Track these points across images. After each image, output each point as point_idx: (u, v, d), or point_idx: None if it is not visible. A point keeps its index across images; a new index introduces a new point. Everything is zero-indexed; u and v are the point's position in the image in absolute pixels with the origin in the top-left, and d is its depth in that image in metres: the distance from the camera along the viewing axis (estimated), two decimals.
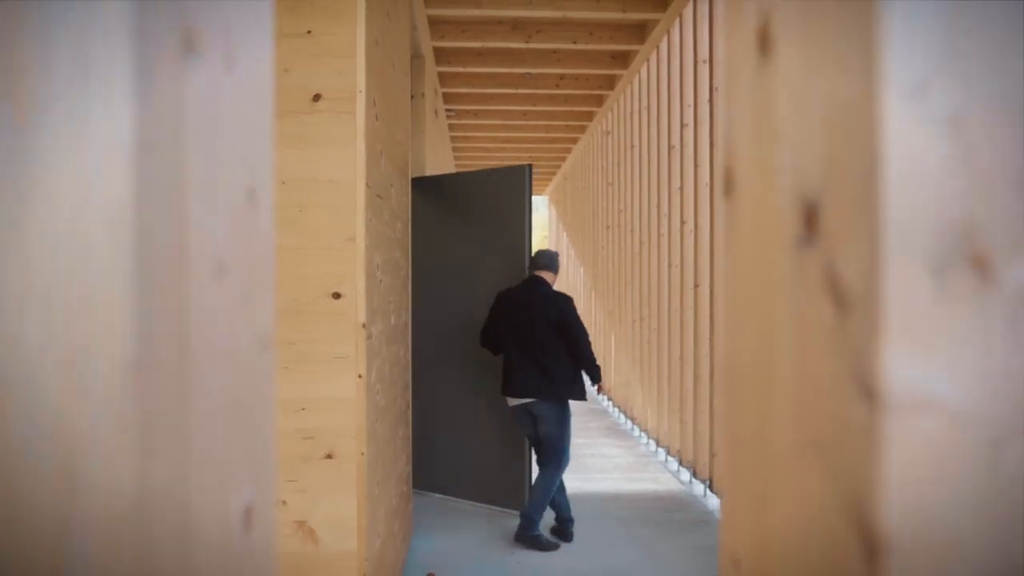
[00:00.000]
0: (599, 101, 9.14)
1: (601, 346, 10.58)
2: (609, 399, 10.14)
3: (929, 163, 0.30)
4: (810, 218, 0.36)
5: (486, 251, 5.22)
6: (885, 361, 0.31)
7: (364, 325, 2.95)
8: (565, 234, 15.17)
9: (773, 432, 0.40)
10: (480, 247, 5.25)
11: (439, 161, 8.24)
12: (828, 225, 0.35)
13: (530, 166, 4.99)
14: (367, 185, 3.01)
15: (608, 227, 10.07)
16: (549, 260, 4.73)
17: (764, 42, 0.41)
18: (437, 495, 5.49)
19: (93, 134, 0.29)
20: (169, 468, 0.32)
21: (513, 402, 4.60)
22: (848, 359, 0.33)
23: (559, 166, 14.29)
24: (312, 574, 2.91)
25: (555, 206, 16.96)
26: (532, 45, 6.80)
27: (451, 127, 10.44)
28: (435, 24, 6.56)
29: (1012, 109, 0.30)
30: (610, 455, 7.07)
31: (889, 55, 0.30)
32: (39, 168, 0.28)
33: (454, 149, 12.14)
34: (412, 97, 6.04)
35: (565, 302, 4.54)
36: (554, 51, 7.36)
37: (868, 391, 0.31)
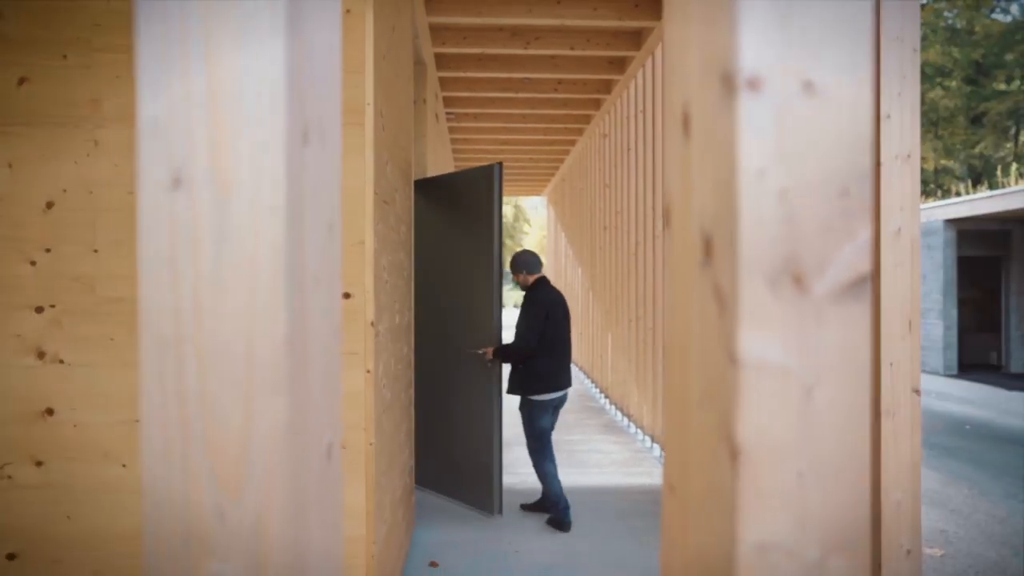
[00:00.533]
0: (596, 105, 9.34)
1: (598, 345, 10.77)
2: (606, 396, 10.34)
3: (767, 218, 0.50)
4: (707, 248, 0.55)
5: (460, 250, 5.30)
6: (742, 339, 0.50)
7: (372, 323, 3.14)
8: (563, 234, 15.36)
9: (689, 389, 0.59)
10: (454, 247, 5.33)
11: (439, 163, 8.42)
12: (715, 253, 0.54)
13: (500, 164, 5.04)
14: (375, 192, 3.19)
15: (605, 228, 10.25)
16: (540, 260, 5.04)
17: (686, 123, 0.61)
18: (436, 493, 5.66)
19: (265, 198, 0.48)
20: (297, 406, 0.52)
21: (556, 394, 4.93)
22: (724, 339, 0.52)
23: (557, 168, 14.49)
24: None
25: (553, 207, 17.15)
26: (531, 51, 6.99)
27: (451, 130, 10.63)
28: (436, 31, 6.74)
29: (816, 186, 0.49)
30: (606, 451, 7.26)
31: (742, 151, 0.50)
32: (234, 225, 0.48)
33: (454, 151, 12.32)
34: (414, 103, 6.22)
35: None
36: (552, 57, 7.55)
37: (733, 358, 0.51)
